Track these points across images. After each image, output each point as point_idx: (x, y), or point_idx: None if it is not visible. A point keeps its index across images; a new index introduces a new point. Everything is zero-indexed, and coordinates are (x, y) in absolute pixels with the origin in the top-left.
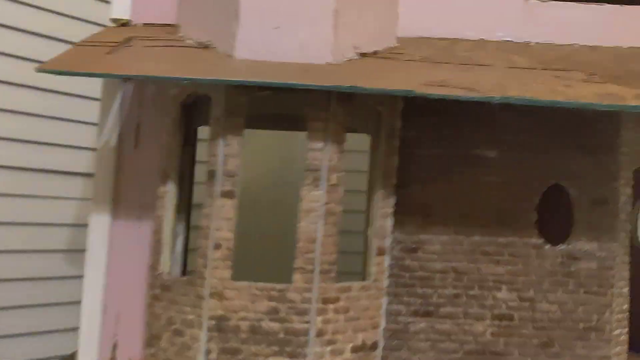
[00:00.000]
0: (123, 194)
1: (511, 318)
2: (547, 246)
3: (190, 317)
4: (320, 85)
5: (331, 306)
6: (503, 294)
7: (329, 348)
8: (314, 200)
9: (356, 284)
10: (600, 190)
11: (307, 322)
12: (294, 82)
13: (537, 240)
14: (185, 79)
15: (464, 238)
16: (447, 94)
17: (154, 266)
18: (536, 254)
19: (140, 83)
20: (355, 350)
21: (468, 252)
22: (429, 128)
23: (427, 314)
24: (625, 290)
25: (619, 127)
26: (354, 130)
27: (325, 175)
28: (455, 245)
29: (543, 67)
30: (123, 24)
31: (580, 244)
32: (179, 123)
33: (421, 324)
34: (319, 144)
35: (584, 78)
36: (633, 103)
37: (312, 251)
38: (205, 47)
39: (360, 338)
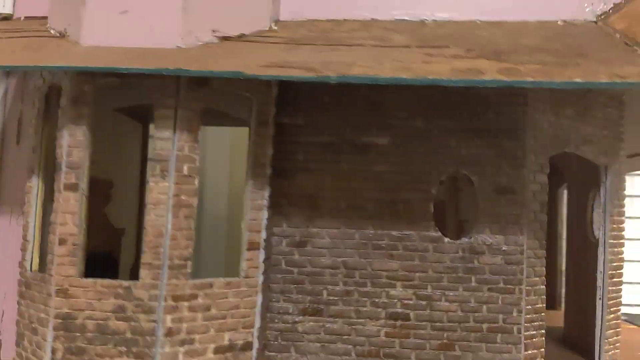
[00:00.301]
0: (4, 191)
1: (407, 318)
2: (447, 239)
3: (42, 315)
4: (141, 68)
5: (185, 304)
6: (398, 291)
7: (183, 348)
8: (162, 192)
9: (220, 281)
10: (505, 178)
11: (154, 321)
12: (119, 66)
13: (434, 233)
14: (20, 67)
15: (355, 231)
16: (279, 75)
17: (21, 263)
18: (434, 248)
19: (21, 77)
20: (219, 351)
21: (360, 246)
22: (317, 115)
23: (317, 313)
24: (540, 287)
25: (526, 110)
26: (231, 121)
27: (174, 165)
28: (345, 239)
29: (420, 44)
30: (4, 17)
31: (484, 237)
32: (43, 115)
33: (310, 323)
34: (166, 133)
35: (458, 54)
36: (490, 77)
37: (161, 246)
38: (62, 35)
39: (226, 338)
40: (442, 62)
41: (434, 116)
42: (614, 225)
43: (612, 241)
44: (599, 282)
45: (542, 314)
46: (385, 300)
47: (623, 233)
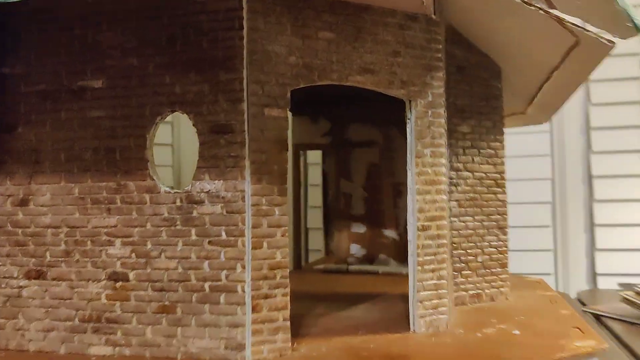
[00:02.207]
0: None
1: (126, 278)
2: (163, 188)
3: None
4: None
5: None
6: (116, 249)
7: None
8: None
9: None
10: (223, 116)
11: None
12: None
13: (150, 182)
14: None
15: (74, 185)
16: None
17: None
18: (150, 199)
19: None
20: None
21: (79, 202)
22: (36, 62)
23: (40, 276)
24: (279, 239)
25: (242, 35)
26: None
27: None
28: (65, 195)
29: None
30: None
31: (202, 184)
32: None
33: (35, 287)
34: None
35: None
36: None
37: None
38: None
39: None
40: None
41: (150, 52)
42: (424, 169)
43: (421, 187)
44: (410, 236)
45: (285, 269)
46: (106, 260)
47: (442, 177)
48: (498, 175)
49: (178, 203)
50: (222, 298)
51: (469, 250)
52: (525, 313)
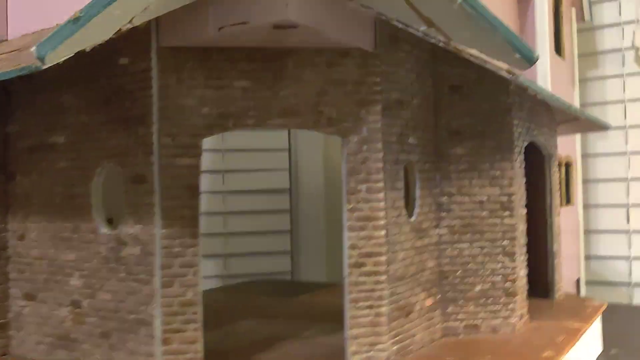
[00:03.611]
0: None
1: (80, 305)
2: (103, 230)
3: None
4: None
5: None
6: (75, 280)
7: None
8: None
9: None
10: (140, 167)
11: None
12: None
13: (94, 225)
14: None
15: (48, 224)
16: None
17: None
18: (95, 239)
19: None
20: None
21: (53, 239)
22: (25, 121)
23: (32, 298)
24: (191, 278)
25: (152, 93)
26: None
27: None
28: (44, 233)
29: None
30: None
31: (127, 228)
32: None
33: (29, 307)
34: None
35: None
36: None
37: None
38: None
39: None
40: None
41: (94, 111)
42: (358, 205)
43: (355, 223)
44: (344, 272)
45: (196, 305)
46: (68, 289)
47: (379, 213)
48: (505, 198)
49: (111, 244)
50: (141, 330)
51: (464, 279)
52: (504, 350)
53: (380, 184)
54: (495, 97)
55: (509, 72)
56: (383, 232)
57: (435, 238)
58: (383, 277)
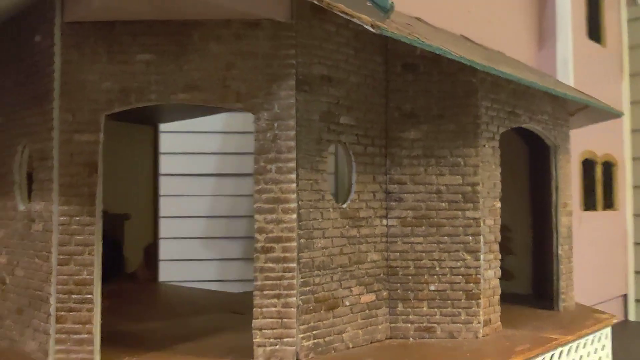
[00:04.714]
0: None
1: (5, 282)
2: (21, 207)
3: None
4: None
5: None
6: (2, 257)
7: None
8: None
9: None
10: (43, 144)
11: None
12: None
13: (14, 202)
14: None
15: None
16: None
17: None
18: (15, 216)
19: None
20: None
21: None
22: None
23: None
24: (87, 258)
25: (54, 72)
26: None
27: None
28: None
29: None
30: None
31: (35, 205)
32: None
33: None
34: None
35: None
36: None
37: None
38: None
39: None
40: None
41: (16, 90)
42: (267, 186)
43: (263, 205)
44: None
45: (91, 286)
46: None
47: (290, 195)
48: (469, 189)
49: (25, 221)
50: (42, 307)
51: (416, 277)
52: (443, 356)
53: (292, 164)
54: (457, 77)
55: (373, 25)
56: (294, 216)
57: (382, 229)
58: (293, 265)
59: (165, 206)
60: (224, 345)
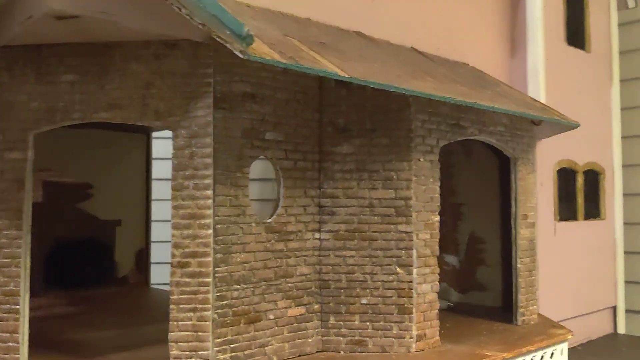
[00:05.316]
0: None
1: None
2: None
3: None
4: None
5: None
6: None
7: None
8: None
9: None
10: None
11: None
12: None
13: None
14: None
15: None
16: None
17: None
18: None
19: None
20: None
21: None
22: None
23: None
24: (14, 270)
25: None
26: None
27: None
28: None
29: None
30: None
31: None
32: None
33: None
34: None
35: None
36: None
37: None
38: None
39: None
40: None
41: None
42: (184, 202)
43: (179, 221)
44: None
45: (17, 297)
46: None
47: (206, 211)
48: (401, 203)
49: None
50: None
51: (348, 290)
52: None
53: (208, 181)
54: (390, 92)
55: (242, 52)
56: (210, 231)
57: (314, 243)
58: (208, 279)
59: (158, 210)
60: (151, 356)
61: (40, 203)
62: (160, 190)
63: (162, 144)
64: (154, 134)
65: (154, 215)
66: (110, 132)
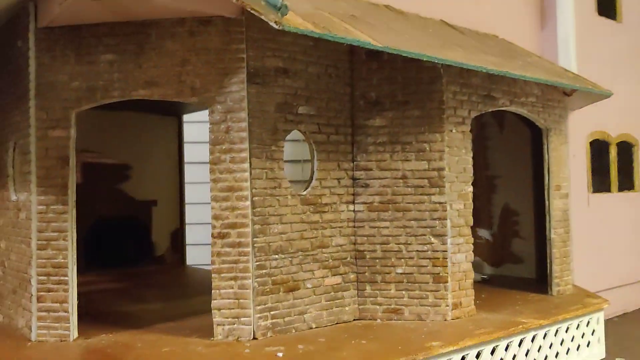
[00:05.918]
0: None
1: (4, 265)
2: (14, 197)
3: None
4: None
5: None
6: (2, 243)
7: None
8: None
9: None
10: (24, 139)
11: None
12: None
13: (8, 193)
14: None
15: None
16: None
17: None
18: (9, 206)
19: None
20: None
21: None
22: None
23: None
24: (62, 243)
25: (30, 74)
26: None
27: None
28: None
29: None
30: None
31: (21, 196)
32: None
33: None
34: None
35: None
36: None
37: None
38: None
39: None
40: None
41: (8, 91)
42: (222, 175)
43: (218, 194)
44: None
45: (65, 268)
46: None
47: (243, 184)
48: (435, 174)
49: (15, 210)
50: (28, 288)
51: (383, 260)
52: (398, 337)
53: (244, 154)
54: (421, 63)
55: (277, 22)
56: (247, 203)
57: (348, 214)
58: (247, 249)
59: (191, 193)
60: (196, 324)
61: (80, 184)
62: (192, 173)
63: (193, 128)
64: (185, 118)
65: (187, 198)
66: (144, 115)
